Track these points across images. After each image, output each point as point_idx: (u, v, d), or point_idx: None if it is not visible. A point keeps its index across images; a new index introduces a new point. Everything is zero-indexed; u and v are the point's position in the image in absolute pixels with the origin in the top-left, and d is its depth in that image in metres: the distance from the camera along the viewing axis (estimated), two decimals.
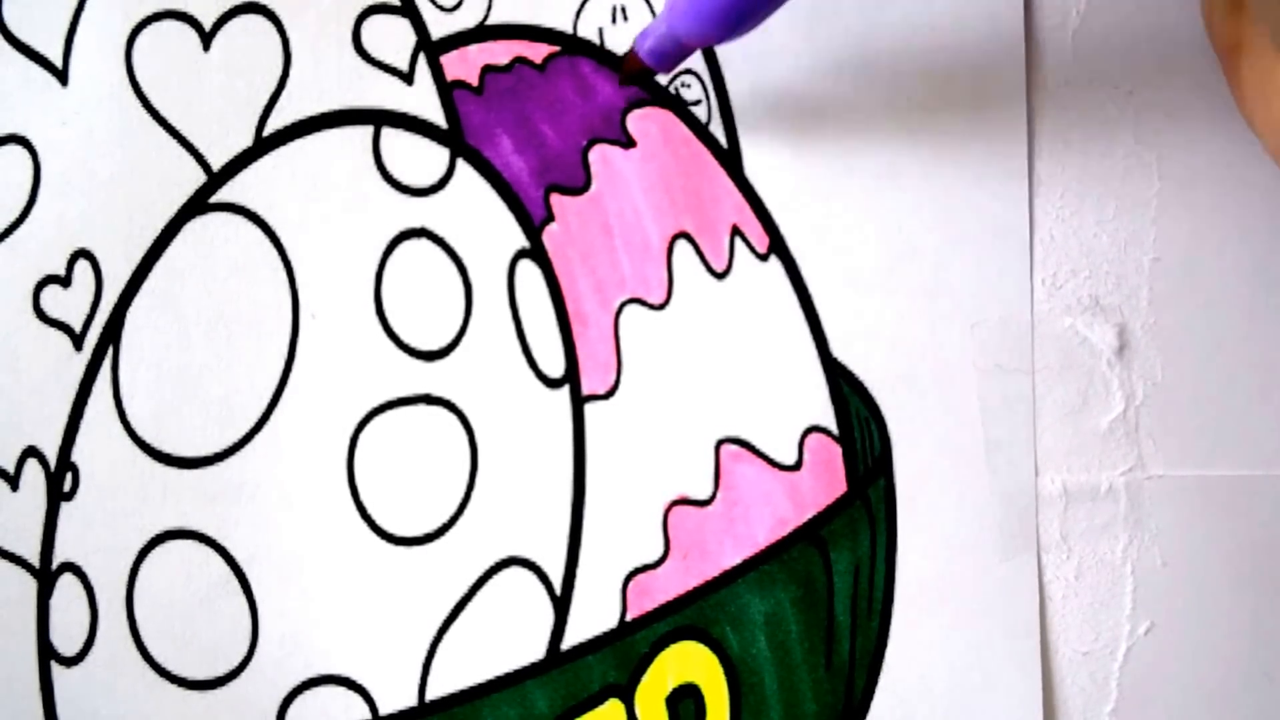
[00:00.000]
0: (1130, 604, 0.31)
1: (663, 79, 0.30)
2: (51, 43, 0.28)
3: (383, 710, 0.28)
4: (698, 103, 0.31)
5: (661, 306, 0.30)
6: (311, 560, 0.28)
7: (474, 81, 0.30)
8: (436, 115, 0.30)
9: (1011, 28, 0.31)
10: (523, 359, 0.30)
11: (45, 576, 0.27)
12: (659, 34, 0.27)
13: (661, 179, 0.30)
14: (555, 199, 0.30)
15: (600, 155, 0.30)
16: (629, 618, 0.30)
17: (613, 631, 0.30)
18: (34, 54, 0.28)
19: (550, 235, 0.30)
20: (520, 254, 0.30)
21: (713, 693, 0.30)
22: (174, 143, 0.28)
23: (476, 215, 0.30)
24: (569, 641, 0.30)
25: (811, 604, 0.30)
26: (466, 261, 0.30)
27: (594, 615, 0.30)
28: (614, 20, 0.31)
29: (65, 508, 0.27)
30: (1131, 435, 0.31)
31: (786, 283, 0.31)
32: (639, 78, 0.29)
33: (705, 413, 0.30)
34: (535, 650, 0.29)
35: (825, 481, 0.31)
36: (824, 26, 0.31)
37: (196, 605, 0.28)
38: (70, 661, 0.27)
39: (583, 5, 0.30)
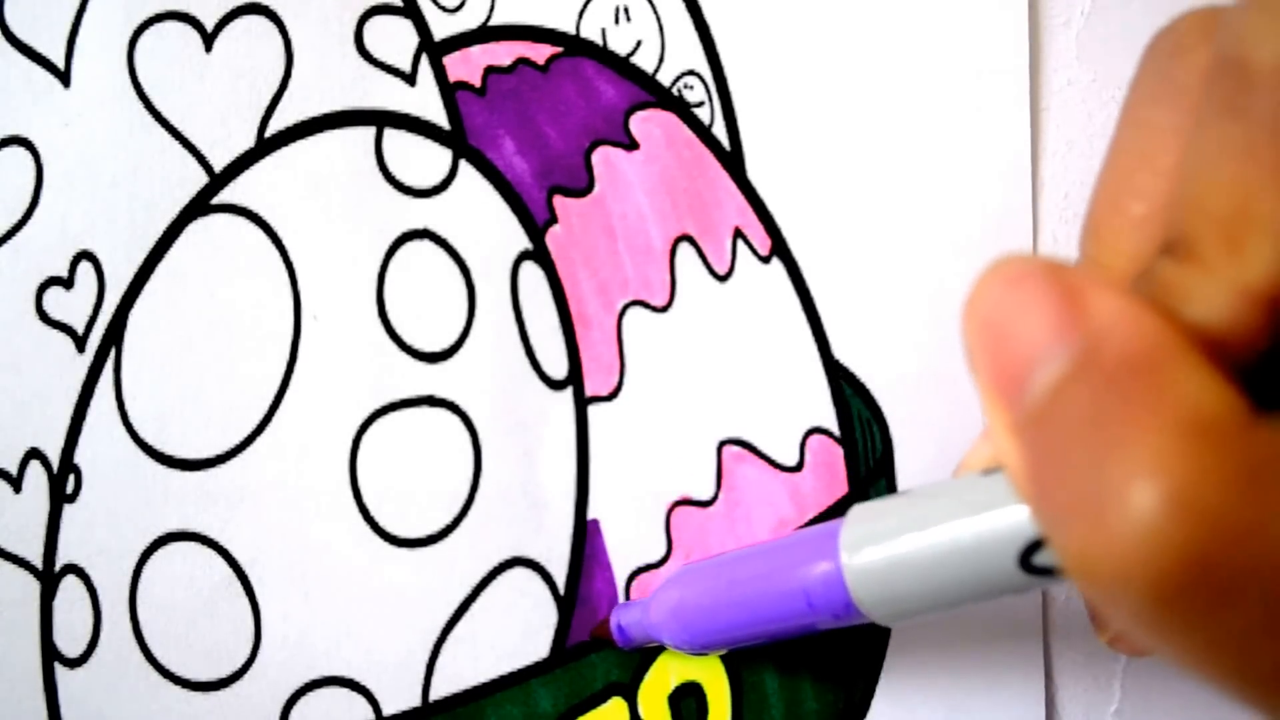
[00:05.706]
0: None
1: (665, 80, 0.30)
2: (54, 44, 0.28)
3: (386, 711, 0.28)
4: (700, 104, 0.31)
5: (664, 308, 0.30)
6: (314, 562, 0.28)
7: (476, 83, 0.30)
8: (439, 116, 0.30)
9: (1016, 27, 0.31)
10: (526, 361, 0.30)
11: (48, 578, 0.27)
12: (635, 622, 0.28)
13: (664, 181, 0.30)
14: (558, 200, 0.30)
15: (603, 157, 0.30)
16: None
17: None
18: (36, 55, 0.28)
19: (553, 237, 0.30)
20: (523, 255, 0.30)
21: (714, 691, 0.30)
22: (176, 144, 0.28)
23: (479, 217, 0.30)
24: (573, 641, 0.30)
25: None
26: (469, 263, 0.30)
27: (599, 614, 0.30)
28: (616, 21, 0.30)
29: (68, 510, 0.27)
30: None
31: (789, 285, 0.31)
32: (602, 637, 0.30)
33: (707, 414, 0.30)
34: (540, 650, 0.29)
35: (827, 483, 0.31)
36: (827, 28, 0.31)
37: (199, 607, 0.28)
38: (74, 663, 0.27)
39: (585, 6, 0.30)
